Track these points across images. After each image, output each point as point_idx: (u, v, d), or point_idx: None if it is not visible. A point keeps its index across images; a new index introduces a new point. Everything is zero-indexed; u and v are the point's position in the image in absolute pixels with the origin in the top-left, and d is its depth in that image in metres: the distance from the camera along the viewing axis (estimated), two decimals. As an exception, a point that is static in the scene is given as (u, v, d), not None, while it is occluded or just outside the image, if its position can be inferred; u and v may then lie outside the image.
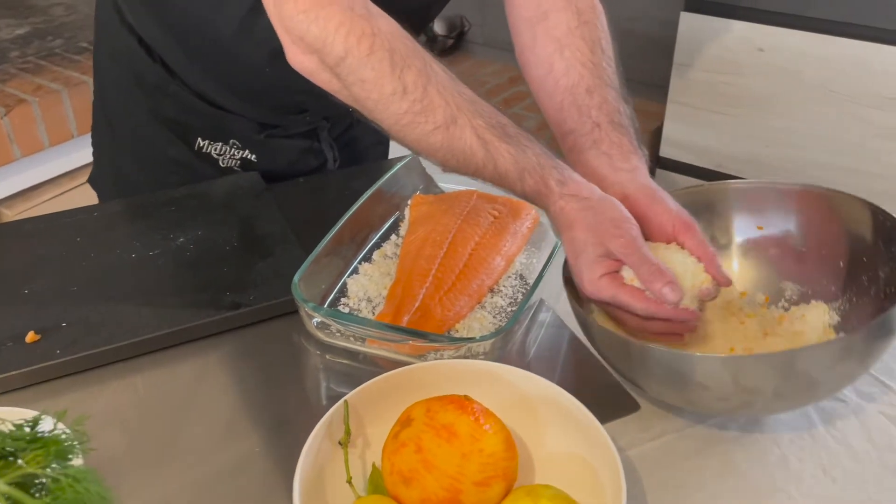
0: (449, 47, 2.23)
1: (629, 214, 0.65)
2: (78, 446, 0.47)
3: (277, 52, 0.67)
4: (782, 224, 0.74)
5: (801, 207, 0.73)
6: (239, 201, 0.91)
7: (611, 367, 0.66)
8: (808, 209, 0.72)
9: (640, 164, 0.71)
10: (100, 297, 0.76)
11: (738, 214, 0.75)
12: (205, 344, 0.73)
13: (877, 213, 0.67)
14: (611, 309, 0.65)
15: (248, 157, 0.96)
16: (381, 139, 1.10)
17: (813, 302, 0.71)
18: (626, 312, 0.63)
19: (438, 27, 2.24)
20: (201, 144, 0.94)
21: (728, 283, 0.65)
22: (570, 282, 0.67)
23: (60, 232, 0.86)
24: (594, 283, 0.63)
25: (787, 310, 0.72)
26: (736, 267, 0.75)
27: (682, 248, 0.66)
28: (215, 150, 0.94)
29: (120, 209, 0.90)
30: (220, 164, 0.95)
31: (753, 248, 0.75)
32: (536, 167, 0.66)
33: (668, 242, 0.67)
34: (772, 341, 0.67)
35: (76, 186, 1.77)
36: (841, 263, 0.70)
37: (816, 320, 0.68)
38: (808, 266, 0.72)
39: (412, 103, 0.64)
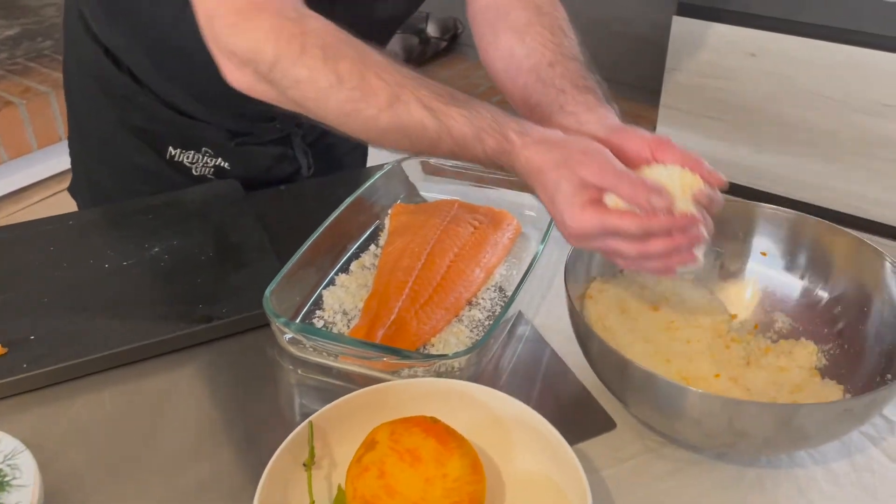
0: (442, 49, 2.21)
1: (598, 143, 0.62)
2: (10, 481, 0.45)
3: None
4: (788, 255, 0.72)
5: (811, 243, 0.71)
6: (216, 210, 0.89)
7: (603, 382, 0.64)
8: (818, 246, 0.71)
9: (608, 113, 0.69)
10: (70, 308, 0.74)
11: (749, 236, 0.74)
12: (175, 358, 0.72)
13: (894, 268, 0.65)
14: (605, 248, 0.61)
15: (222, 164, 0.94)
16: (357, 144, 1.09)
17: (802, 339, 0.69)
18: (621, 242, 0.59)
19: (432, 29, 2.22)
20: (173, 153, 0.93)
21: (721, 180, 0.61)
22: (569, 270, 0.65)
23: (34, 241, 0.84)
24: (577, 217, 0.59)
25: (774, 342, 0.70)
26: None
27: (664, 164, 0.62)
28: (188, 158, 0.93)
29: (96, 217, 0.89)
30: (194, 172, 0.94)
31: (753, 272, 0.74)
32: (493, 124, 0.63)
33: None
34: (755, 373, 0.66)
35: (64, 189, 1.76)
36: (839, 308, 0.69)
37: (803, 360, 0.67)
38: (805, 303, 0.71)
39: (351, 91, 0.63)
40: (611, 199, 0.59)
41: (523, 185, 0.92)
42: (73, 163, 1.01)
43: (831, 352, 0.67)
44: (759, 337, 0.71)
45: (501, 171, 0.66)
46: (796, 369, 0.66)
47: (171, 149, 0.93)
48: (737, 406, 0.54)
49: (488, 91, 1.99)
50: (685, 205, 0.59)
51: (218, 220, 0.88)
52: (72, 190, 1.02)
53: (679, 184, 0.59)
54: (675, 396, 0.56)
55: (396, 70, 0.65)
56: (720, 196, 0.61)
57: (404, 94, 0.63)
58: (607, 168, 0.59)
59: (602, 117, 0.68)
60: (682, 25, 1.56)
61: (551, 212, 0.62)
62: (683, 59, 1.58)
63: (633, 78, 1.96)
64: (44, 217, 0.89)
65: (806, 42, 1.45)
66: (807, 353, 0.67)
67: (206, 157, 0.93)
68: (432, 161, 0.95)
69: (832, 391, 0.64)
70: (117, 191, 0.95)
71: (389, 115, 0.63)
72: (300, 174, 1.01)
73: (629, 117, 0.76)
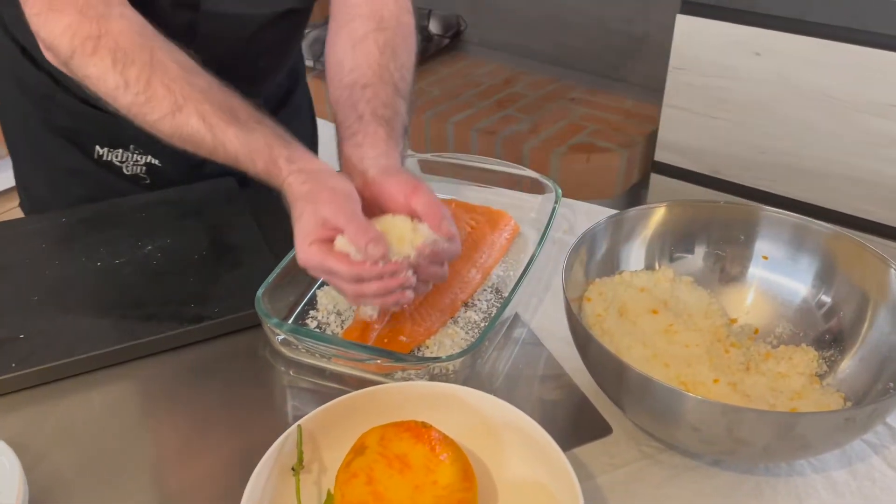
0: (444, 47, 2.20)
1: (350, 186, 0.67)
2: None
3: None
4: (791, 260, 0.71)
5: (814, 247, 0.70)
6: (212, 208, 0.88)
7: (600, 386, 0.63)
8: (821, 251, 0.69)
9: (389, 149, 0.72)
10: (60, 307, 0.74)
11: (751, 240, 0.72)
12: (166, 358, 0.71)
13: None
14: (333, 281, 0.66)
15: (153, 162, 0.93)
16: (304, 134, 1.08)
17: (803, 345, 0.68)
18: (339, 280, 0.65)
19: (434, 27, 2.21)
20: (100, 152, 0.91)
21: (449, 232, 0.66)
22: (568, 272, 0.66)
23: (25, 238, 0.83)
24: (304, 249, 0.64)
25: (774, 347, 0.69)
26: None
27: (415, 211, 0.67)
28: (116, 157, 0.92)
29: (88, 215, 0.88)
30: (125, 171, 0.93)
31: (754, 276, 0.72)
32: (265, 148, 0.68)
33: (405, 211, 0.68)
34: (754, 378, 0.65)
35: (14, 207, 1.75)
36: (842, 314, 0.67)
37: (803, 366, 0.65)
38: (807, 308, 0.70)
39: (136, 96, 0.67)
40: (341, 240, 0.64)
41: (522, 185, 0.92)
42: (14, 176, 1.00)
43: (832, 358, 0.66)
44: (759, 342, 0.69)
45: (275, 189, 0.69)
46: (796, 375, 0.65)
47: (98, 148, 0.91)
48: (736, 413, 0.53)
49: (488, 90, 1.98)
50: (405, 251, 0.65)
51: (213, 219, 0.87)
52: (21, 204, 1.01)
53: (398, 234, 0.66)
54: (673, 402, 0.55)
55: (187, 81, 0.68)
56: (454, 246, 0.67)
57: (187, 106, 0.67)
58: (343, 211, 0.64)
59: (380, 155, 0.72)
60: (685, 24, 1.54)
61: (295, 235, 0.66)
62: (687, 58, 1.57)
63: (637, 77, 1.95)
64: (35, 214, 0.88)
65: (812, 41, 1.43)
66: (807, 360, 0.65)
67: (135, 155, 0.92)
68: (430, 158, 0.94)
69: (832, 399, 0.62)
70: (49, 195, 0.94)
71: (170, 123, 0.68)
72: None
73: (632, 117, 0.74)
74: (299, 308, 0.75)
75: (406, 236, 0.65)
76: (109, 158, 0.92)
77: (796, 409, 0.62)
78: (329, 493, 0.55)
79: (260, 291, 0.69)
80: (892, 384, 0.60)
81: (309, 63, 2.07)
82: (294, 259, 0.73)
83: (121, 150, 0.92)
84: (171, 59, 0.69)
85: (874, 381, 0.62)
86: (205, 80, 0.69)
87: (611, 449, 0.63)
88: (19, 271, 0.79)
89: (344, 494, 0.50)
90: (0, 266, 0.79)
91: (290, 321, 0.74)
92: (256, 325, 0.73)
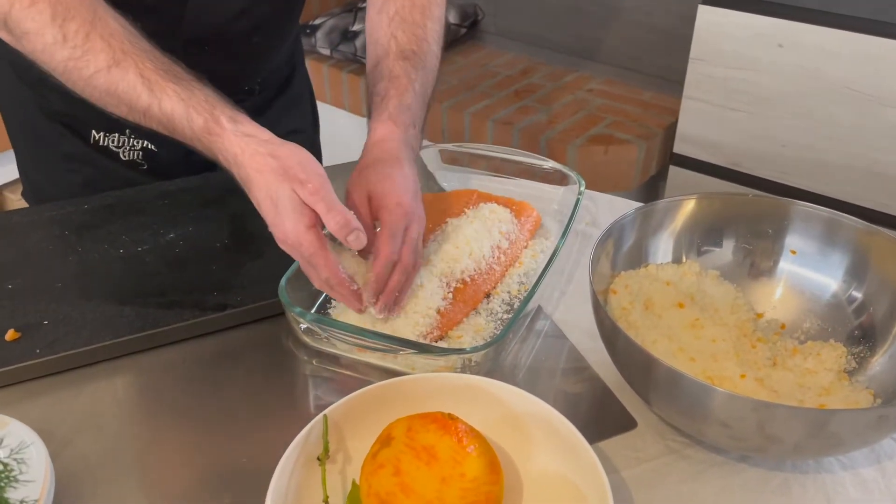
0: (462, 36, 2.18)
1: (313, 158, 0.65)
2: (17, 476, 0.44)
3: None
4: (820, 255, 0.70)
5: (844, 243, 0.69)
6: (233, 196, 0.87)
7: (626, 380, 0.63)
8: (852, 246, 0.68)
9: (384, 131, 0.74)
10: (83, 294, 0.74)
11: (781, 234, 0.71)
12: (189, 346, 0.71)
13: None
14: (301, 261, 0.66)
15: (149, 147, 0.92)
16: (298, 127, 1.08)
17: (831, 341, 0.67)
18: (313, 273, 0.66)
19: (451, 16, 2.19)
20: (97, 137, 0.91)
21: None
22: (594, 265, 0.65)
23: (48, 225, 0.84)
24: (301, 234, 0.63)
25: (802, 342, 0.68)
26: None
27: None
28: (113, 142, 0.92)
29: (111, 202, 0.88)
30: (122, 156, 0.92)
31: (783, 271, 0.72)
32: (205, 104, 0.66)
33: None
34: (781, 374, 0.64)
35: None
36: (871, 309, 0.66)
37: (832, 362, 0.64)
38: (835, 303, 0.69)
39: (72, 49, 0.66)
40: None
41: (544, 176, 0.91)
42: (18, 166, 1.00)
43: (861, 354, 0.65)
44: (786, 337, 0.69)
45: (211, 156, 0.68)
46: (824, 371, 0.64)
47: (94, 133, 0.91)
48: (767, 409, 0.53)
49: (505, 80, 1.97)
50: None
51: (234, 208, 0.86)
52: (24, 194, 1.01)
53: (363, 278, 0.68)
54: (702, 397, 0.54)
55: (127, 39, 0.67)
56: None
57: (125, 61, 0.66)
58: (321, 194, 0.63)
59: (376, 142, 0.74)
60: (707, 14, 1.53)
61: (267, 210, 0.65)
62: (708, 50, 1.55)
63: (657, 68, 1.93)
64: (58, 201, 0.88)
65: (836, 33, 1.41)
66: (835, 356, 0.65)
67: (131, 140, 0.92)
68: (450, 148, 0.93)
69: (861, 396, 0.62)
70: (49, 182, 0.94)
71: (105, 77, 0.66)
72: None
73: (652, 108, 0.73)
74: (321, 297, 0.75)
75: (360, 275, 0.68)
76: (106, 143, 0.92)
77: (825, 405, 0.61)
78: (354, 484, 0.55)
79: (283, 280, 0.69)
80: None
81: (325, 51, 2.07)
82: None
83: (117, 135, 0.91)
84: (113, 19, 0.68)
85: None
86: (146, 43, 0.68)
87: (636, 443, 0.62)
88: (42, 258, 0.79)
89: (371, 485, 0.50)
90: (23, 253, 0.80)
91: (314, 311, 0.73)
92: (279, 313, 0.73)
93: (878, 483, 0.60)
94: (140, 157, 0.93)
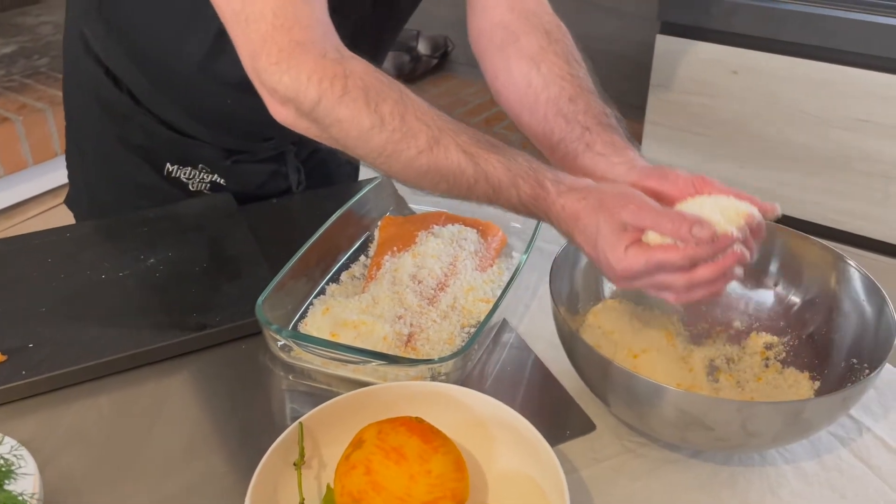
0: (433, 67, 2.25)
1: (629, 187, 0.64)
2: (17, 470, 0.47)
3: (240, 86, 0.69)
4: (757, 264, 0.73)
5: (780, 251, 0.75)
6: (210, 222, 0.92)
7: (584, 381, 0.67)
8: (787, 253, 0.75)
9: (635, 156, 0.71)
10: (68, 317, 0.77)
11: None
12: (170, 365, 0.74)
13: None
14: (653, 284, 0.61)
15: (217, 180, 0.97)
16: (349, 159, 1.12)
17: (763, 333, 0.74)
18: (669, 275, 0.60)
19: (423, 47, 2.26)
20: (170, 169, 0.95)
21: (773, 207, 0.63)
22: (554, 276, 0.69)
23: (32, 253, 0.86)
24: (622, 258, 0.60)
25: (737, 343, 0.74)
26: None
27: None
28: (184, 174, 0.96)
29: (92, 230, 0.91)
30: (190, 187, 0.97)
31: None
32: (529, 171, 0.65)
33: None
34: (723, 376, 0.70)
35: (59, 204, 1.78)
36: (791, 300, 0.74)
37: (764, 352, 0.72)
38: (761, 300, 0.75)
39: (392, 132, 0.64)
40: (649, 237, 0.60)
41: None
42: (70, 176, 1.03)
43: (789, 343, 0.72)
44: (719, 340, 0.75)
45: (534, 218, 0.67)
46: (757, 362, 0.71)
47: (168, 165, 0.95)
48: (751, 408, 0.58)
49: (476, 108, 2.03)
50: (727, 228, 0.60)
51: (212, 232, 0.90)
52: (69, 201, 1.04)
53: (734, 213, 0.61)
54: (685, 406, 0.59)
55: (436, 114, 0.66)
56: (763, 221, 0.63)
57: (444, 138, 0.65)
58: (645, 208, 0.60)
59: (630, 160, 0.70)
60: (665, 44, 1.60)
61: (593, 256, 0.63)
62: (667, 77, 1.62)
63: (619, 94, 2.00)
64: (42, 230, 0.91)
65: (786, 60, 1.49)
66: (763, 345, 0.72)
67: (202, 174, 0.96)
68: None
69: (798, 378, 0.69)
70: (116, 204, 0.97)
71: (428, 157, 0.64)
72: (291, 189, 1.04)
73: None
74: (296, 317, 0.79)
75: (725, 210, 0.61)
76: (178, 175, 0.95)
77: (754, 395, 0.67)
78: (329, 487, 0.58)
79: (260, 300, 0.72)
80: (853, 360, 0.65)
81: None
82: (291, 270, 0.77)
83: (189, 168, 0.95)
84: (415, 96, 0.67)
85: (828, 357, 0.69)
86: (448, 116, 0.67)
87: (594, 444, 0.67)
88: (27, 284, 0.82)
89: (344, 485, 0.54)
90: (9, 279, 0.82)
91: (290, 328, 0.77)
92: (256, 333, 0.76)
93: (819, 475, 0.64)
94: (207, 188, 0.98)
